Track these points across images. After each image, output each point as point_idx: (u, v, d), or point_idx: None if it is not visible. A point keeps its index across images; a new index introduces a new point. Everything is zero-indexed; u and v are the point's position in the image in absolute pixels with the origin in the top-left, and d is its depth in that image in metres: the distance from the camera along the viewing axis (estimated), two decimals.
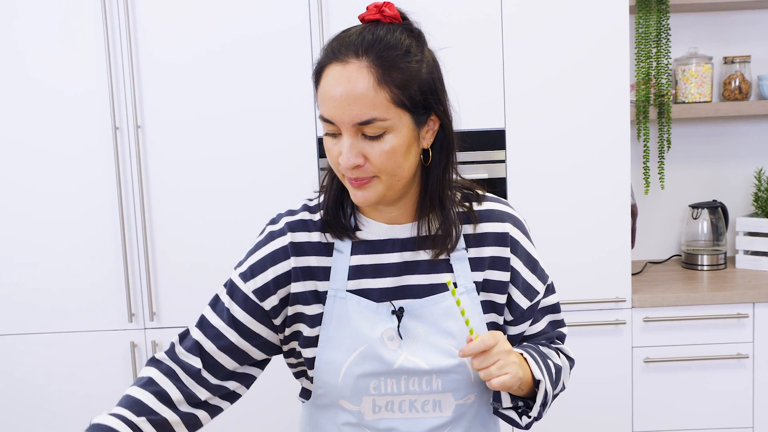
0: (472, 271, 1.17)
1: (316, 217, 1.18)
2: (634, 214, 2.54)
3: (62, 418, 2.40)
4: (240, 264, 1.20)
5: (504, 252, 1.18)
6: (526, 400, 1.19)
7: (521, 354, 1.17)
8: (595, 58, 2.32)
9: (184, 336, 1.21)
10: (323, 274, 1.16)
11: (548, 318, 1.27)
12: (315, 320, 1.16)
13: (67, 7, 2.27)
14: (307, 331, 1.17)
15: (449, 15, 2.29)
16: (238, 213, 2.35)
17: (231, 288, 1.19)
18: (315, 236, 1.17)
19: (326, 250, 1.17)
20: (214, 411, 1.20)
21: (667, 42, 2.66)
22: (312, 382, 1.20)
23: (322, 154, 2.37)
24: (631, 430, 2.44)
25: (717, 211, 2.78)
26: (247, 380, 1.22)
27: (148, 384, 1.15)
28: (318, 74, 1.08)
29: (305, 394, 1.25)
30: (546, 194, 2.36)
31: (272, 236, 1.18)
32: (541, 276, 1.23)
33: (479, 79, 2.32)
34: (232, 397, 1.22)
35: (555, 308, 1.28)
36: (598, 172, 2.35)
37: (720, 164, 2.92)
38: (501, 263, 1.18)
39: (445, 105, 1.11)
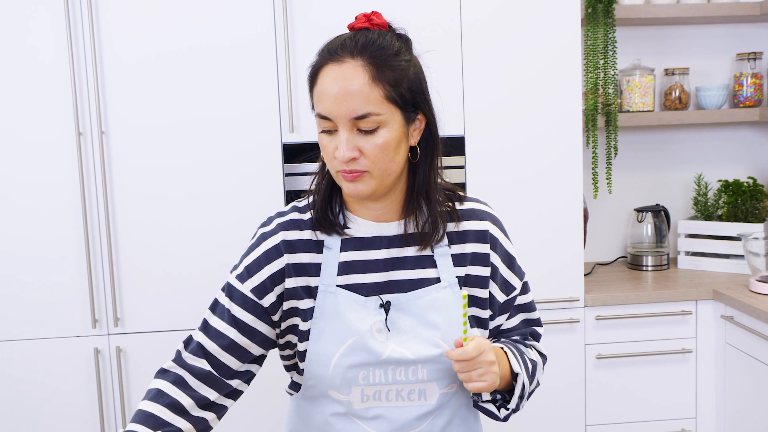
0: (454, 266, 1.24)
1: (306, 216, 1.25)
2: (585, 218, 2.67)
3: (25, 428, 2.37)
4: (236, 267, 1.26)
5: (484, 248, 1.26)
6: (503, 394, 1.27)
7: (501, 348, 1.25)
8: (550, 69, 2.43)
9: (188, 342, 1.26)
10: (314, 270, 1.22)
11: (522, 316, 1.35)
12: (307, 314, 1.22)
13: (28, 10, 2.25)
14: (301, 325, 1.23)
15: (410, 30, 2.35)
16: (203, 219, 2.37)
17: (229, 290, 1.25)
18: (306, 234, 1.23)
19: (317, 247, 1.23)
20: (220, 411, 1.25)
21: (614, 54, 2.80)
22: (302, 375, 1.25)
23: (287, 159, 2.41)
24: (584, 422, 2.56)
25: (660, 214, 2.94)
26: (248, 376, 1.28)
27: (159, 396, 1.20)
28: (314, 75, 1.15)
29: (294, 386, 1.30)
30: (504, 199, 2.45)
31: (264, 237, 1.24)
32: (518, 273, 1.32)
33: (440, 89, 2.38)
34: (235, 394, 1.27)
35: (529, 307, 1.36)
36: (553, 178, 2.46)
37: (662, 170, 3.08)
38: (481, 259, 1.26)
39: (430, 105, 1.20)
